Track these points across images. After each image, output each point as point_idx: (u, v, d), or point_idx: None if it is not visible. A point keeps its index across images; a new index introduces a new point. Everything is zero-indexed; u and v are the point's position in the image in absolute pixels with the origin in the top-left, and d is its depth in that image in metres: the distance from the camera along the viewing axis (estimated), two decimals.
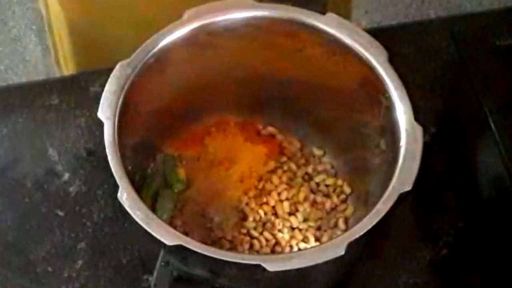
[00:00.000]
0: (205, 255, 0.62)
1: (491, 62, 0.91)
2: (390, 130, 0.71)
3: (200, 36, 0.75)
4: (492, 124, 0.86)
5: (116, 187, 0.65)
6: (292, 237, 0.78)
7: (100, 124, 0.68)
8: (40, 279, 0.78)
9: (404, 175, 0.67)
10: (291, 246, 0.77)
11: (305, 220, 0.79)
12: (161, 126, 0.79)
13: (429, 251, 0.80)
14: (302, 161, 0.82)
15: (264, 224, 0.78)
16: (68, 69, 1.05)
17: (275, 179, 0.81)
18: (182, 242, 0.63)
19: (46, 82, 0.93)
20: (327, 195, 0.81)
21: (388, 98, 0.72)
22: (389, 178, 0.68)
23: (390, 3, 1.82)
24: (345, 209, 0.80)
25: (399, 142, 0.69)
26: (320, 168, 0.82)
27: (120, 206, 0.64)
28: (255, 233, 0.78)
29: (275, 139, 0.83)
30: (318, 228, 0.79)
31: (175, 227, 0.75)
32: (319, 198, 0.80)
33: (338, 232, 0.78)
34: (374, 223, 0.65)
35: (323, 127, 0.82)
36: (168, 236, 0.63)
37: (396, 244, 0.81)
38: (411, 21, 1.70)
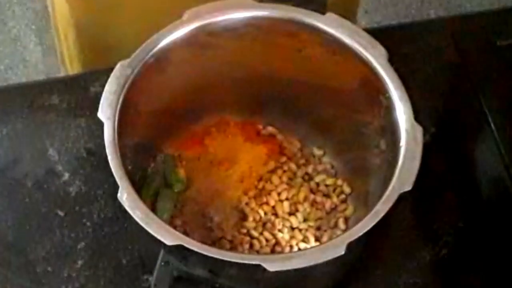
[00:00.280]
0: (205, 255, 0.62)
1: (491, 62, 0.91)
2: (390, 130, 0.71)
3: (200, 36, 0.75)
4: (492, 124, 0.86)
5: (116, 187, 0.65)
6: (292, 237, 0.78)
7: (100, 124, 0.68)
8: (40, 279, 0.78)
9: (404, 175, 0.67)
10: (291, 246, 0.77)
11: (305, 220, 0.79)
12: (161, 126, 0.79)
13: (429, 251, 0.80)
14: (302, 161, 0.82)
15: (264, 224, 0.78)
16: (73, 68, 1.05)
17: (275, 179, 0.81)
18: (182, 242, 0.63)
19: (46, 82, 0.93)
20: (327, 195, 0.81)
21: (388, 98, 0.72)
22: (389, 178, 0.68)
23: (390, 3, 1.82)
24: (345, 209, 0.80)
25: (399, 142, 0.69)
26: (320, 168, 0.82)
27: (120, 206, 0.64)
28: (255, 233, 0.78)
29: (275, 139, 0.83)
30: (318, 228, 0.79)
31: (175, 227, 0.75)
32: (319, 198, 0.80)
33: (338, 232, 0.78)
34: (374, 223, 0.65)
35: (323, 127, 0.82)
36: (168, 236, 0.63)
37: (396, 244, 0.81)
38: (411, 21, 1.70)
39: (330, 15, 0.75)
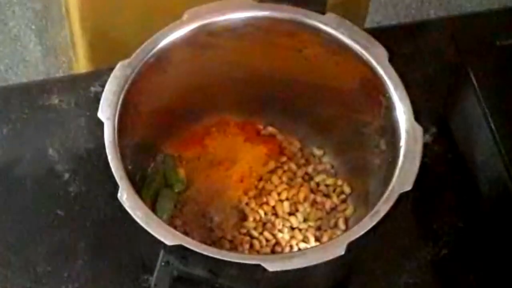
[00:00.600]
0: (205, 255, 0.62)
1: (491, 62, 0.91)
2: (390, 130, 0.71)
3: (200, 36, 0.75)
4: (492, 124, 0.86)
5: (116, 187, 0.65)
6: (292, 237, 0.78)
7: (100, 124, 0.68)
8: (40, 279, 0.78)
9: (404, 175, 0.67)
10: (291, 246, 0.77)
11: (305, 220, 0.79)
12: (161, 126, 0.79)
13: (429, 251, 0.80)
14: (302, 161, 0.82)
15: (264, 224, 0.78)
16: (80, 67, 1.05)
17: (275, 179, 0.81)
18: (182, 242, 0.63)
19: (46, 82, 0.93)
20: (327, 195, 0.81)
21: (388, 98, 0.72)
22: (389, 178, 0.68)
23: (390, 3, 1.82)
24: (345, 209, 0.80)
25: (399, 142, 0.69)
26: (320, 168, 0.82)
27: (120, 206, 0.64)
28: (255, 233, 0.78)
29: (275, 139, 0.83)
30: (318, 228, 0.79)
31: (175, 227, 0.75)
32: (319, 198, 0.80)
33: (338, 232, 0.78)
34: (374, 223, 0.65)
35: (323, 127, 0.82)
36: (168, 236, 0.63)
37: (396, 244, 0.81)
38: (411, 21, 1.70)
39: (330, 15, 0.75)
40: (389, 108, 0.71)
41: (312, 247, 0.75)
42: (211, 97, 0.81)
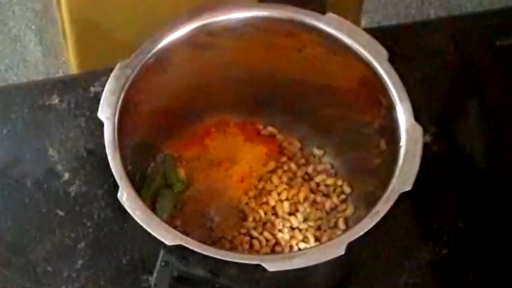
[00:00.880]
0: (205, 255, 0.62)
1: (491, 62, 0.91)
2: (390, 130, 0.71)
3: (200, 36, 0.75)
4: (492, 124, 0.86)
5: (116, 187, 0.65)
6: (292, 237, 0.78)
7: (100, 124, 0.68)
8: (40, 279, 0.78)
9: (404, 175, 0.67)
10: (291, 246, 0.77)
11: (305, 220, 0.79)
12: (161, 126, 0.79)
13: (429, 251, 0.80)
14: (302, 161, 0.82)
15: (264, 224, 0.78)
16: (72, 69, 1.05)
17: (275, 179, 0.81)
18: (182, 242, 0.63)
19: (46, 82, 0.93)
20: (327, 195, 0.81)
21: (388, 98, 0.72)
22: (389, 178, 0.68)
23: (390, 3, 1.82)
24: (345, 209, 0.80)
25: (399, 142, 0.69)
26: (320, 168, 0.82)
27: (120, 206, 0.64)
28: (255, 233, 0.78)
29: (275, 139, 0.83)
30: (318, 228, 0.79)
31: (175, 227, 0.75)
32: (319, 198, 0.80)
33: (338, 232, 0.78)
34: (374, 223, 0.65)
35: (323, 127, 0.82)
36: (168, 236, 0.63)
37: (396, 244, 0.81)
38: (411, 21, 1.70)
39: (330, 15, 0.75)
40: (389, 108, 0.71)
41: (312, 247, 0.75)
42: (211, 97, 0.81)
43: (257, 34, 0.76)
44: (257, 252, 0.77)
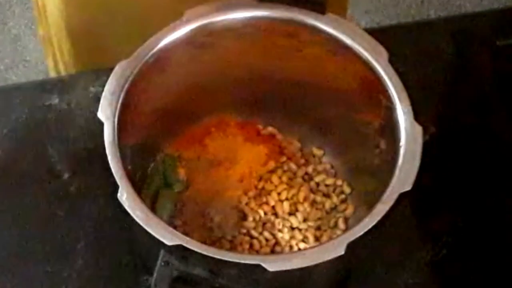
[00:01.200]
0: (205, 255, 0.62)
1: (491, 62, 0.91)
2: (390, 130, 0.71)
3: (200, 36, 0.75)
4: (492, 124, 0.86)
5: (116, 187, 0.65)
6: (292, 237, 0.78)
7: (100, 124, 0.68)
8: (40, 279, 0.78)
9: (404, 175, 0.67)
10: (291, 246, 0.77)
11: (305, 220, 0.79)
12: (161, 126, 0.79)
13: (429, 251, 0.80)
14: (302, 161, 0.82)
15: (264, 224, 0.78)
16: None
17: (275, 179, 0.81)
18: (182, 242, 0.63)
19: (46, 82, 0.93)
20: (327, 195, 0.81)
21: (388, 98, 0.72)
22: (389, 178, 0.67)
23: (390, 3, 1.82)
24: (345, 209, 0.80)
25: (399, 142, 0.69)
26: (320, 168, 0.82)
27: (120, 206, 0.64)
28: (255, 233, 0.78)
29: (275, 139, 0.83)
30: (318, 228, 0.79)
31: (175, 227, 0.75)
32: (319, 198, 0.80)
33: (338, 232, 0.78)
34: (374, 223, 0.65)
35: (323, 127, 0.82)
36: (168, 236, 0.63)
37: (396, 244, 0.81)
38: (411, 21, 1.70)
39: (330, 15, 0.75)
40: (389, 108, 0.71)
41: (312, 247, 0.75)
42: (211, 97, 0.81)
43: (257, 34, 0.76)
44: (257, 252, 0.77)
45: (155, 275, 0.65)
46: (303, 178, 0.81)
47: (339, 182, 0.81)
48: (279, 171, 0.81)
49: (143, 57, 0.72)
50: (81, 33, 0.96)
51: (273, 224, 0.78)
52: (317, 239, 0.78)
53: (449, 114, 0.90)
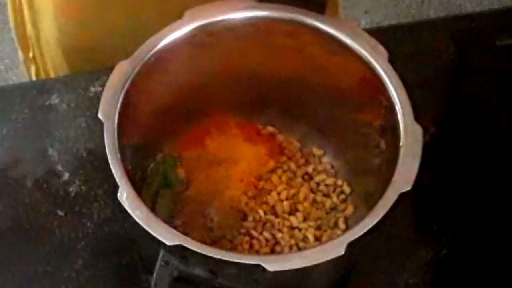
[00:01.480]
0: (205, 255, 0.62)
1: (491, 62, 0.91)
2: (390, 130, 0.71)
3: (200, 36, 0.75)
4: (492, 124, 0.86)
5: (116, 187, 0.65)
6: (291, 236, 0.78)
7: (100, 124, 0.68)
8: (40, 279, 0.78)
9: (404, 175, 0.67)
10: (291, 246, 0.77)
11: (305, 220, 0.79)
12: (161, 126, 0.79)
13: (429, 251, 0.80)
14: (302, 161, 0.82)
15: (264, 224, 0.78)
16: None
17: (275, 179, 0.81)
18: (182, 242, 0.63)
19: (46, 82, 0.93)
20: (327, 195, 0.81)
21: (388, 98, 0.72)
22: (389, 178, 0.67)
23: (390, 3, 1.82)
24: (345, 209, 0.80)
25: (399, 142, 0.69)
26: (320, 168, 0.82)
27: (120, 206, 0.64)
28: (254, 233, 0.78)
29: (275, 139, 0.83)
30: (318, 228, 0.79)
31: (175, 227, 0.75)
32: (319, 198, 0.80)
33: (338, 232, 0.78)
34: (374, 223, 0.65)
35: (323, 127, 0.82)
36: (168, 236, 0.63)
37: (396, 244, 0.81)
38: (411, 21, 1.70)
39: (330, 15, 0.75)
40: (389, 108, 0.71)
41: (312, 247, 0.75)
42: (211, 97, 0.81)
43: (257, 34, 0.76)
44: (257, 252, 0.77)
45: (155, 275, 0.65)
46: (303, 178, 0.81)
47: (339, 182, 0.81)
48: (279, 171, 0.81)
49: (143, 57, 0.72)
50: (77, 53, 0.96)
51: (273, 224, 0.78)
52: (317, 239, 0.78)
53: (449, 114, 0.90)
